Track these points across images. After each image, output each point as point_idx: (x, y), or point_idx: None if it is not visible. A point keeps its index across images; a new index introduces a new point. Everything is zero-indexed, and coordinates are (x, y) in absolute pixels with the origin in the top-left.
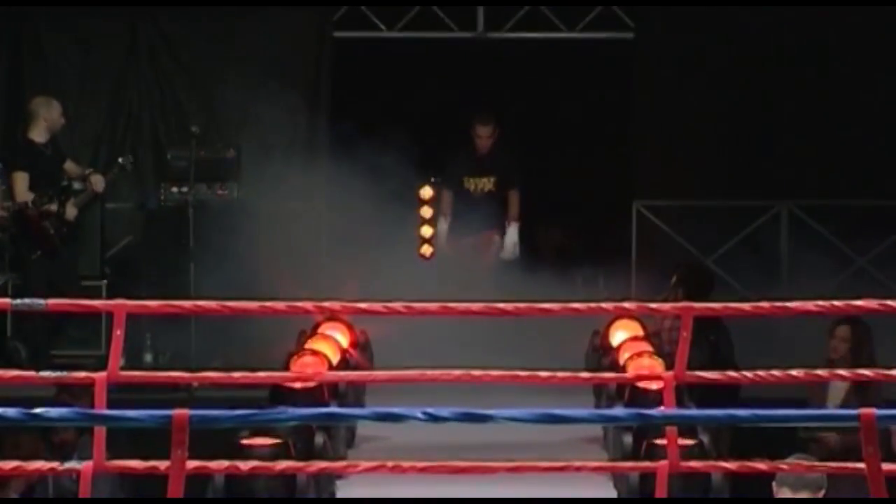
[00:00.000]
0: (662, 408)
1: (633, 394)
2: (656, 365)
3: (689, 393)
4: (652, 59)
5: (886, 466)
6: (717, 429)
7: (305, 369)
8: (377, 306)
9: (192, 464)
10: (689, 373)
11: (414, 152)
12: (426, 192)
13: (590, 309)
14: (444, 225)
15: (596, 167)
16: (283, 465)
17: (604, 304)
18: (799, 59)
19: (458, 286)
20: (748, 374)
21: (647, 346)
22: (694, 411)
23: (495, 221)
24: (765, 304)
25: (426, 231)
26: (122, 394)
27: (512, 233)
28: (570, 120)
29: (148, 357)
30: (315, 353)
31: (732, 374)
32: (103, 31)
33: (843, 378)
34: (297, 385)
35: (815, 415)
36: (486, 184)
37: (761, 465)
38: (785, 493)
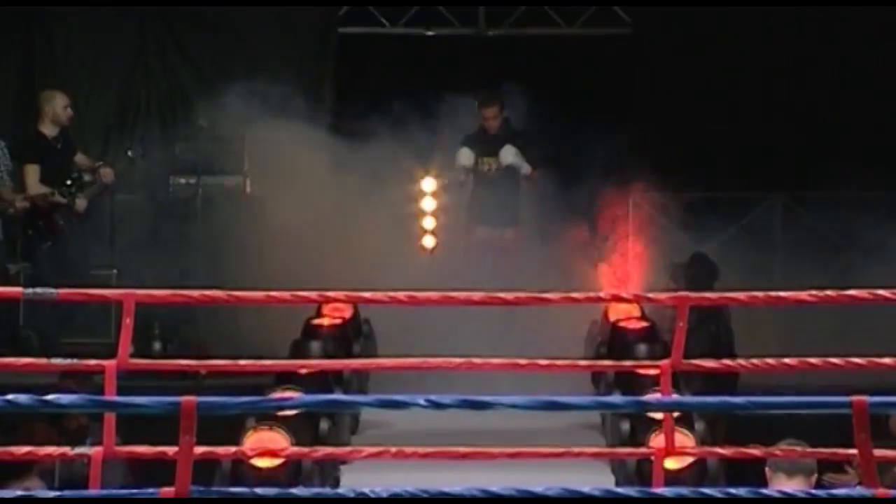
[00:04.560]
0: (658, 395)
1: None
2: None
3: (688, 383)
4: (649, 54)
5: (879, 452)
6: (713, 417)
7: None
8: (380, 296)
9: (199, 449)
10: (685, 361)
11: (416, 146)
12: (428, 184)
13: (588, 298)
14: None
15: (594, 160)
16: (288, 450)
17: (602, 294)
18: (795, 53)
19: (457, 278)
20: (743, 362)
21: (641, 319)
22: (689, 398)
23: (512, 201)
24: (759, 294)
25: (428, 223)
26: (131, 381)
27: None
28: (568, 114)
29: (157, 345)
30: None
31: (728, 362)
32: (112, 27)
33: (836, 366)
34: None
35: (809, 401)
36: (501, 164)
37: (755, 451)
38: (780, 479)
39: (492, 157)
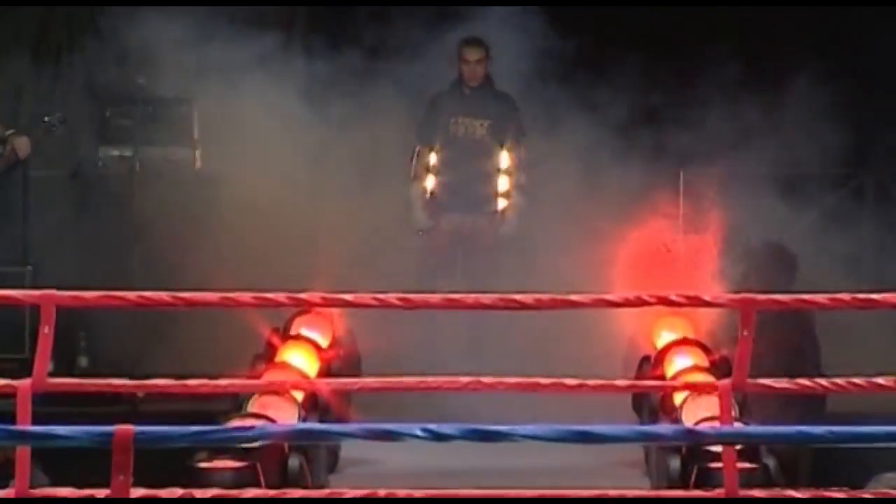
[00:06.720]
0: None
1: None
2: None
3: (764, 407)
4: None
5: None
6: (794, 451)
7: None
8: (367, 298)
9: (136, 492)
10: (750, 381)
11: (414, 108)
12: (430, 156)
13: (627, 301)
14: (418, 189)
15: (638, 129)
16: (250, 493)
17: (645, 296)
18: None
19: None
20: (824, 382)
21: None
22: (755, 428)
23: (487, 181)
24: (845, 296)
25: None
26: (51, 406)
27: (516, 202)
28: (605, 66)
29: (83, 361)
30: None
31: (804, 381)
32: None
33: None
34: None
35: None
36: (478, 128)
37: (838, 494)
38: None
39: (468, 119)
